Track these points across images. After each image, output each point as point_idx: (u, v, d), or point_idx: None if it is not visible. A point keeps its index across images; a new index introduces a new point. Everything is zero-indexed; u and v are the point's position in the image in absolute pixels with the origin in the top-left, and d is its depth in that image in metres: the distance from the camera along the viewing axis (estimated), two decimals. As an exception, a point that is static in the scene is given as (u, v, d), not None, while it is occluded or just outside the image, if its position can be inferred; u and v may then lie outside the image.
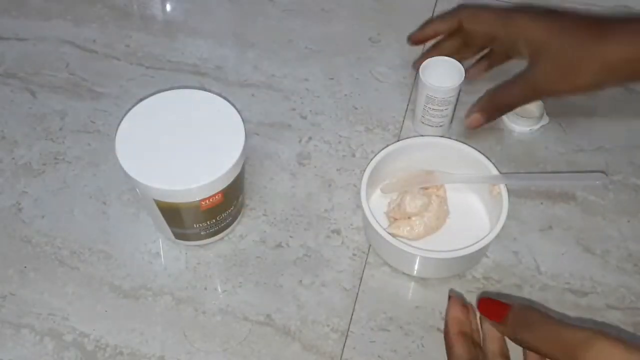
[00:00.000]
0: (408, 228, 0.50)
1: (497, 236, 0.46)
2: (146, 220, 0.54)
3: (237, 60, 0.64)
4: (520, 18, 0.46)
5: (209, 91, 0.49)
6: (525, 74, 0.45)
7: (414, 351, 0.47)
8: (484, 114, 0.46)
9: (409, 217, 0.51)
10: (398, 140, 0.55)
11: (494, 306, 0.36)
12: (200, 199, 0.45)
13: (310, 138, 0.59)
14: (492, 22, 0.48)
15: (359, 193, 0.49)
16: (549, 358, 0.32)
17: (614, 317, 0.48)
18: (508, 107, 0.47)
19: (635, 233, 0.53)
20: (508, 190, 0.49)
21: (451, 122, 0.58)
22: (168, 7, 0.69)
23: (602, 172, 0.56)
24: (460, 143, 0.52)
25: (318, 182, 0.56)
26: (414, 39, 0.53)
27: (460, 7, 0.50)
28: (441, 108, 0.55)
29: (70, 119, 0.60)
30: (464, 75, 0.53)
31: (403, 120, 0.60)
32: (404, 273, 0.50)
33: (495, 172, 0.50)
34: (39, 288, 0.51)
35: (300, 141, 0.58)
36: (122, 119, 0.47)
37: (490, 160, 0.50)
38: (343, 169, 0.57)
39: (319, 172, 0.57)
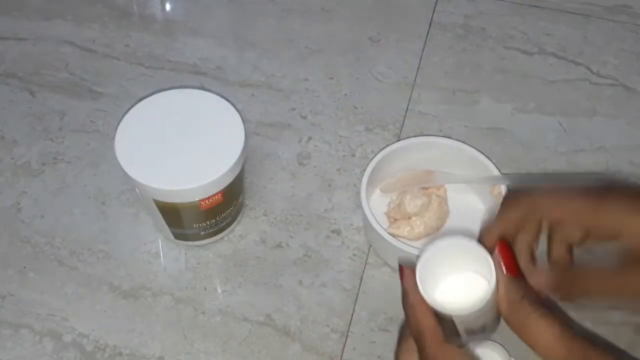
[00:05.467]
0: (408, 228, 0.50)
1: (498, 236, 0.46)
2: (146, 220, 0.54)
3: (237, 60, 0.64)
4: (616, 204, 0.35)
5: (209, 91, 0.48)
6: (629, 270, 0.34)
7: (414, 351, 0.47)
8: (559, 291, 0.35)
9: (409, 217, 0.51)
10: (398, 140, 0.55)
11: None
12: (200, 199, 0.45)
13: (310, 138, 0.58)
14: (580, 212, 0.35)
15: (359, 193, 0.49)
16: None
17: (615, 318, 0.48)
18: (590, 296, 0.35)
19: (635, 233, 0.52)
20: (508, 190, 0.49)
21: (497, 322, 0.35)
22: (168, 7, 0.69)
23: (602, 173, 0.56)
24: (461, 143, 0.52)
25: (318, 182, 0.56)
26: None
27: (532, 200, 0.37)
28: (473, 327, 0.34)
29: (70, 118, 0.60)
30: (491, 260, 0.33)
31: (403, 120, 0.59)
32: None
33: (495, 172, 0.50)
34: (38, 288, 0.50)
35: (300, 141, 0.58)
36: (121, 119, 0.47)
37: (491, 160, 0.50)
38: (343, 169, 0.57)
39: (319, 172, 0.56)
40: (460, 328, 0.34)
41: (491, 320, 0.34)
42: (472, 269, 0.33)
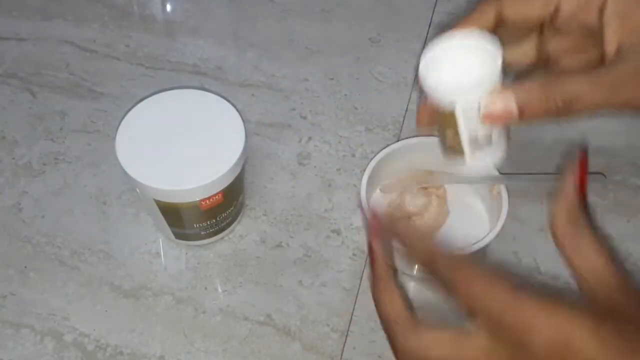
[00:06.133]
0: (408, 228, 0.51)
1: (497, 236, 0.46)
2: (146, 220, 0.54)
3: (237, 60, 0.64)
4: None
5: (209, 91, 0.49)
6: (604, 69, 0.32)
7: (414, 351, 0.47)
8: (536, 106, 0.31)
9: (409, 217, 0.51)
10: (398, 140, 0.55)
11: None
12: (200, 199, 0.45)
13: (310, 138, 0.59)
14: None
15: (359, 193, 0.49)
16: None
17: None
18: (570, 105, 0.33)
19: (635, 233, 0.53)
20: (508, 190, 0.49)
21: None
22: (168, 7, 0.69)
23: (601, 173, 0.56)
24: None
25: (318, 182, 0.56)
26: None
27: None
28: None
29: (70, 119, 0.60)
30: (500, 56, 0.32)
31: (403, 120, 0.60)
32: (404, 273, 0.50)
33: (495, 172, 0.50)
34: (39, 288, 0.51)
35: (300, 141, 0.58)
36: (122, 119, 0.47)
37: (490, 160, 0.50)
38: (343, 169, 0.57)
39: (319, 172, 0.57)
40: (464, 137, 0.31)
41: (497, 134, 0.31)
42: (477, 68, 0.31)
